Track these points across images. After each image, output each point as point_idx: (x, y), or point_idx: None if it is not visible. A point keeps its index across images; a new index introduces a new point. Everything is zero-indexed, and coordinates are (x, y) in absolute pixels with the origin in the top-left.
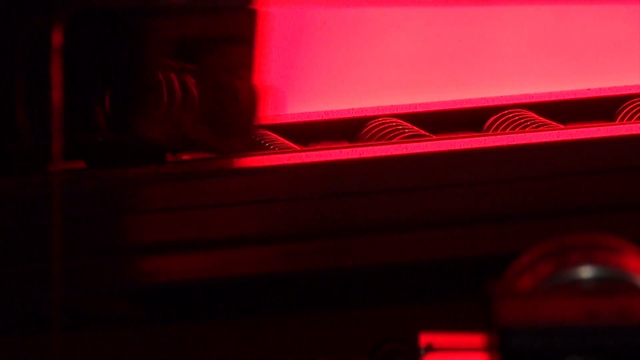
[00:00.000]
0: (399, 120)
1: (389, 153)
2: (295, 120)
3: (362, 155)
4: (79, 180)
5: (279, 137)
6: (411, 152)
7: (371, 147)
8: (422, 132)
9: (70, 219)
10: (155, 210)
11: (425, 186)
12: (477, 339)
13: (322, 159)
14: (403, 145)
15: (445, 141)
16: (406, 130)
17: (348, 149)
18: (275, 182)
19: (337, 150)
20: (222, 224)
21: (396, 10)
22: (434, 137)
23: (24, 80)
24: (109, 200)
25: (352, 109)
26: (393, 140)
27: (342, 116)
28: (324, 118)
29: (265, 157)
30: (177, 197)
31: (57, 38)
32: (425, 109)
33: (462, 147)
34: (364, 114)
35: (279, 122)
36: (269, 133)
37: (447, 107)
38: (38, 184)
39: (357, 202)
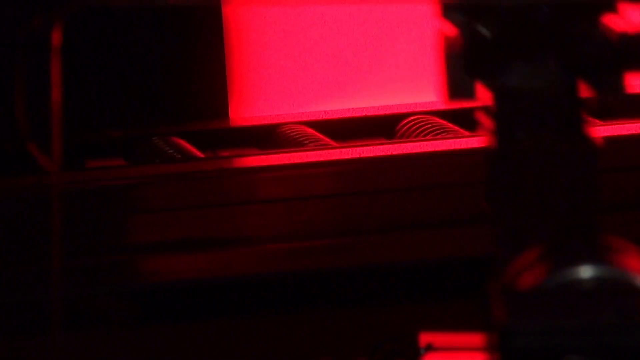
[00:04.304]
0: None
1: (388, 153)
2: (296, 119)
3: (362, 155)
4: (79, 180)
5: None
6: (411, 152)
7: (371, 147)
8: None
9: (70, 219)
10: (155, 210)
11: (425, 186)
12: (477, 339)
13: (322, 158)
14: (403, 145)
15: (445, 141)
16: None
17: (348, 149)
18: (275, 182)
19: (337, 150)
20: (222, 224)
21: (396, 10)
22: (434, 137)
23: (24, 80)
24: (109, 200)
25: (351, 108)
26: (394, 140)
27: (341, 116)
28: (324, 118)
29: (265, 157)
30: (177, 197)
31: (57, 38)
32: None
33: (462, 146)
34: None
35: (279, 122)
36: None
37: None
38: (38, 184)
39: (357, 202)
